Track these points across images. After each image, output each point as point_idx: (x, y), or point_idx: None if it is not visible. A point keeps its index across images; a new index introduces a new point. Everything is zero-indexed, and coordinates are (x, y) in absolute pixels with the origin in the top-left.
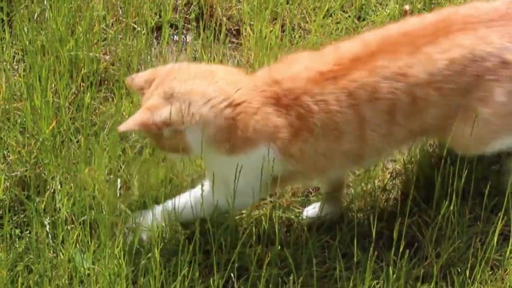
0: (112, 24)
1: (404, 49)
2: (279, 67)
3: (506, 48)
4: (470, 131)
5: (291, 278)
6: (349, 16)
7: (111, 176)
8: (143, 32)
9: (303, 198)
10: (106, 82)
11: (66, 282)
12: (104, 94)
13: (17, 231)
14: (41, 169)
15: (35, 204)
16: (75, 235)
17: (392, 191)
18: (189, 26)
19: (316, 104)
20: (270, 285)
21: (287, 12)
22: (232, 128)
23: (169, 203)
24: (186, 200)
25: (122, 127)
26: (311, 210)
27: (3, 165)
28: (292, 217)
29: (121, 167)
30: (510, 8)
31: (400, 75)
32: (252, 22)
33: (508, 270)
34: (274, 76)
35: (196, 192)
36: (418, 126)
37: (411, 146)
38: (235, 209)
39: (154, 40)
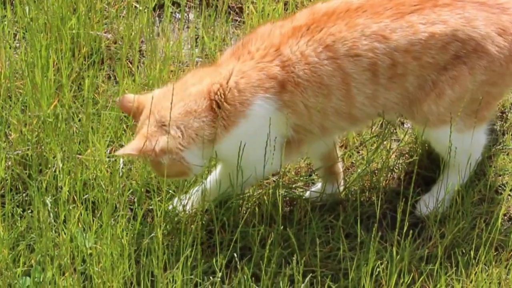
0: (113, 2)
1: (387, 12)
2: (251, 37)
3: (489, 37)
4: (436, 109)
5: (294, 258)
6: None
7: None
8: (145, 10)
9: (306, 177)
10: (108, 60)
11: (68, 261)
12: (106, 73)
13: (19, 210)
14: (42, 147)
15: (36, 183)
16: (77, 214)
17: (396, 171)
18: (191, 4)
19: (295, 55)
20: (273, 265)
21: None
22: (223, 107)
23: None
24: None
25: (120, 152)
26: (314, 188)
27: (5, 143)
28: (296, 194)
29: (123, 146)
30: (509, 2)
31: (380, 36)
32: (255, 0)
33: None
34: (246, 41)
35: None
36: (399, 92)
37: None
38: (261, 178)
39: (156, 18)
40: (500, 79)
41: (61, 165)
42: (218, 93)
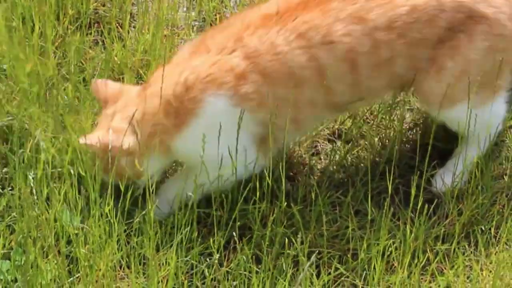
0: None
1: None
2: (212, 31)
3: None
4: (438, 87)
5: (298, 237)
6: None
7: None
8: None
9: (310, 147)
10: (96, 24)
11: (52, 242)
12: (94, 38)
13: None
14: (24, 119)
15: (18, 158)
16: (62, 191)
17: (409, 142)
18: None
19: (263, 44)
20: (276, 246)
21: None
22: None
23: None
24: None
25: (84, 140)
26: None
27: None
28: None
29: None
30: None
31: (356, 18)
32: None
33: None
34: (204, 36)
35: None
36: (388, 78)
37: None
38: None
39: None
40: (507, 43)
41: (44, 138)
42: (171, 92)
